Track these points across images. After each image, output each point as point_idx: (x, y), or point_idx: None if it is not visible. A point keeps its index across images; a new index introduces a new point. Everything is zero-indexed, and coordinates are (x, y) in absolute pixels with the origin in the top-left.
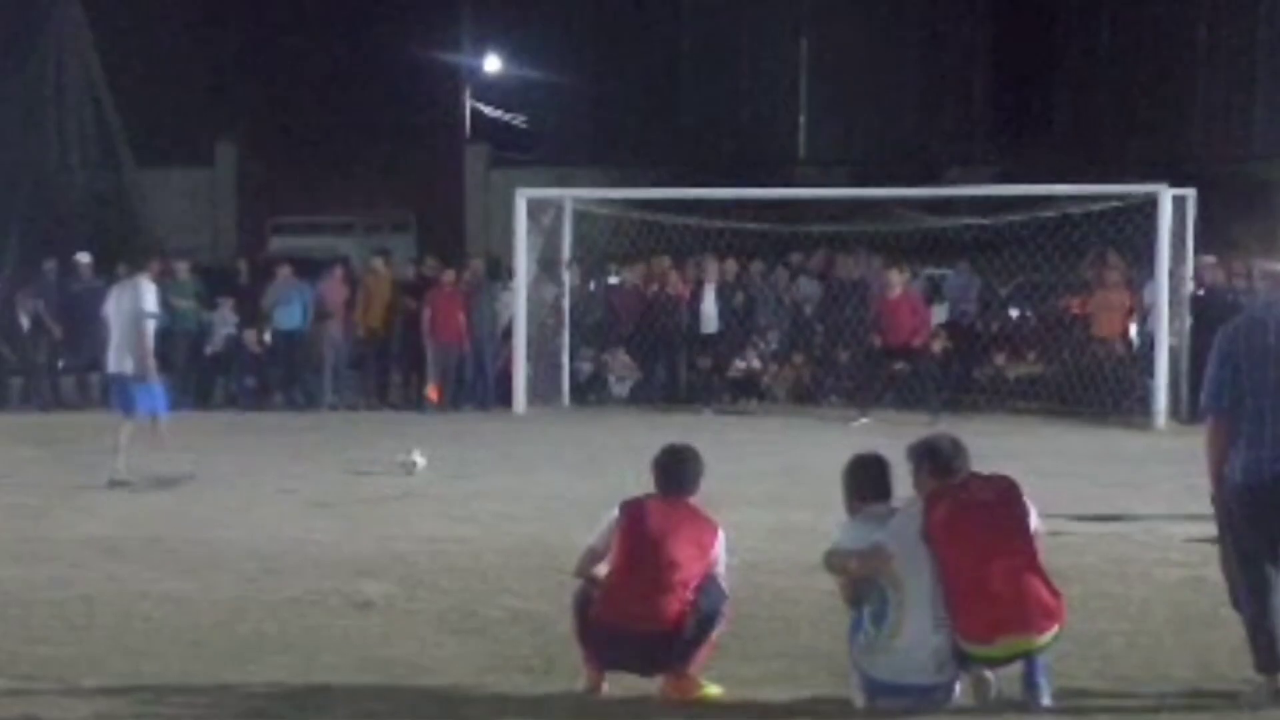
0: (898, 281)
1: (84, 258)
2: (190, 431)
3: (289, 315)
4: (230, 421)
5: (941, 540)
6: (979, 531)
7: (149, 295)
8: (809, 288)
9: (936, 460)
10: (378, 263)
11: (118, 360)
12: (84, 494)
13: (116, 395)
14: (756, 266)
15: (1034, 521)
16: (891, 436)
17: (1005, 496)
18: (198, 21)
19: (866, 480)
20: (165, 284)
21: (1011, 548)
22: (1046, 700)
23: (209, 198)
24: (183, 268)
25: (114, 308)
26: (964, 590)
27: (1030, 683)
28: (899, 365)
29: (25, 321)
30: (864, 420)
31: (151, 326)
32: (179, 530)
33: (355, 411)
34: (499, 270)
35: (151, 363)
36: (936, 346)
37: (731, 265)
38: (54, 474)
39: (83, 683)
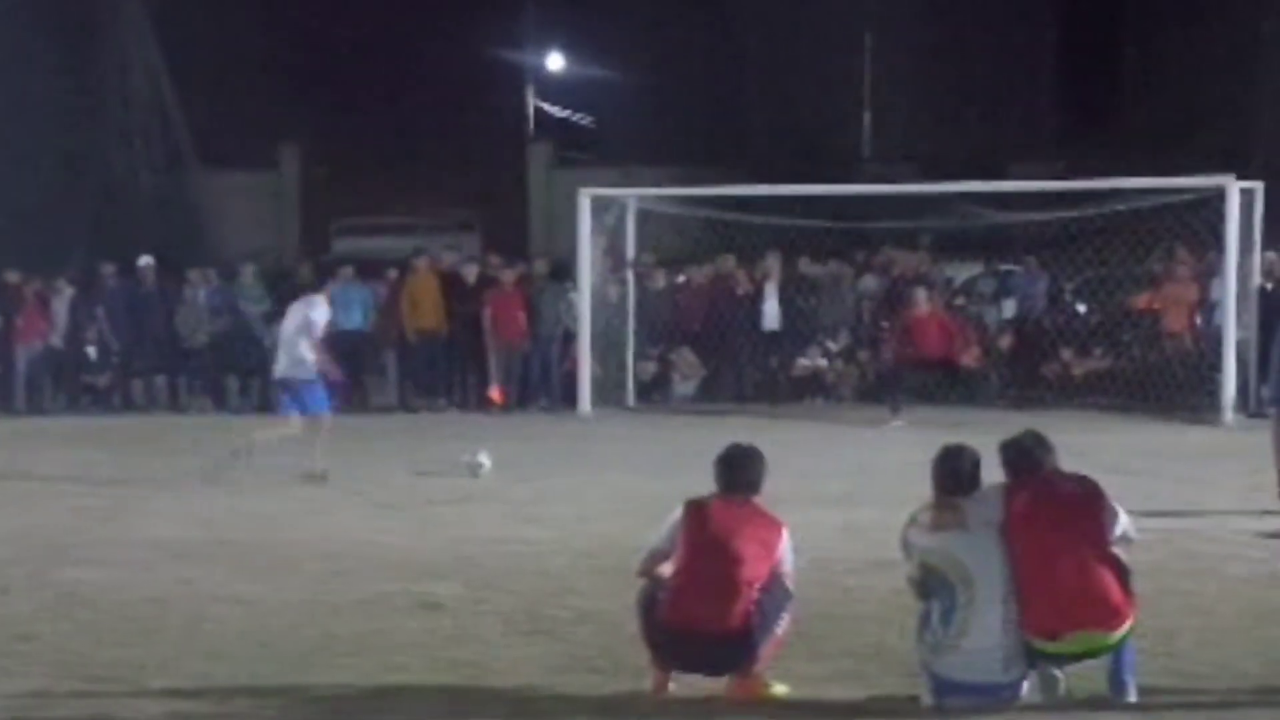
0: (923, 300)
1: (147, 261)
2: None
3: (350, 317)
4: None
5: (1017, 531)
6: (1055, 526)
7: (320, 308)
8: (873, 285)
9: (1021, 454)
10: (420, 262)
11: (287, 366)
12: (153, 497)
13: (288, 398)
14: (819, 265)
15: (1124, 524)
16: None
17: (1087, 494)
18: (261, 24)
19: (947, 472)
20: (230, 288)
21: (1085, 544)
22: (1132, 697)
23: (273, 201)
24: (248, 271)
25: (289, 318)
26: (1034, 584)
27: (1116, 680)
28: (934, 376)
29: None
30: (898, 423)
31: (318, 332)
32: (247, 533)
33: (416, 414)
34: (564, 270)
35: (322, 362)
36: (1003, 344)
37: (794, 263)
38: (123, 476)
39: (152, 684)
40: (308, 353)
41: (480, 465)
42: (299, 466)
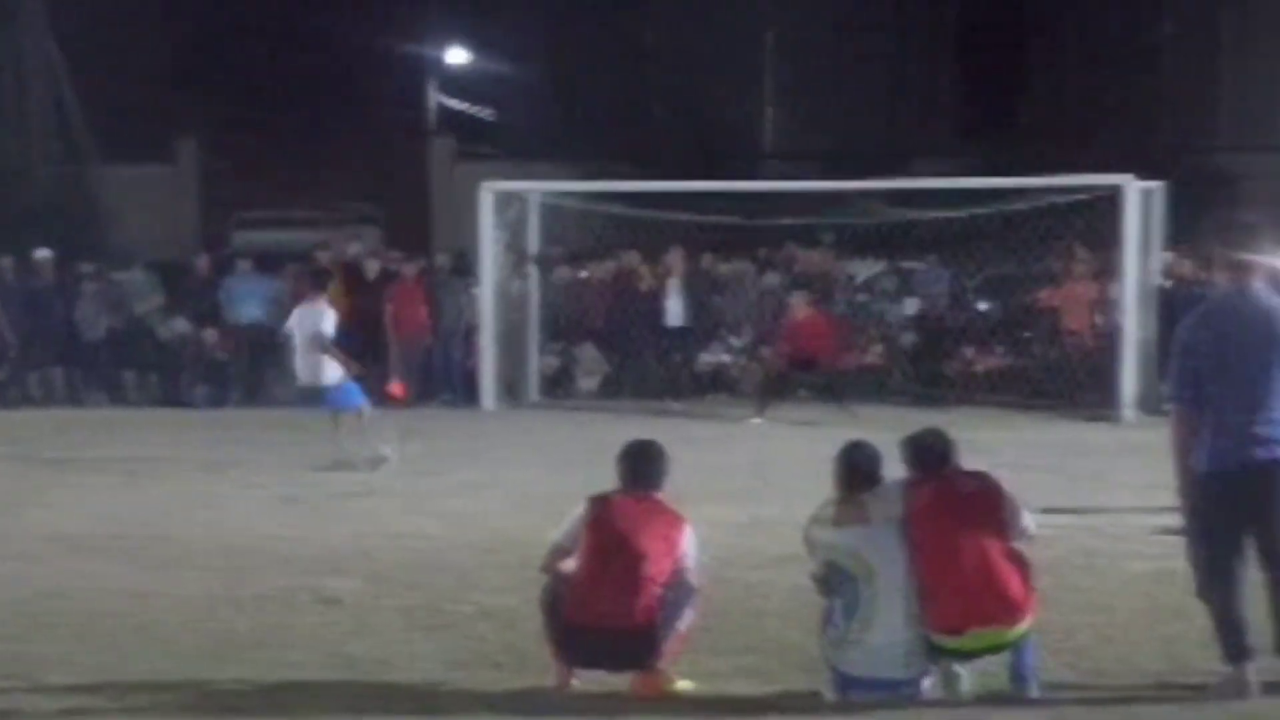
0: (801, 303)
1: (45, 254)
2: (154, 429)
3: (248, 310)
4: (192, 418)
5: (919, 528)
6: (956, 522)
7: (327, 319)
8: (776, 281)
9: (922, 450)
10: (321, 256)
11: (309, 374)
12: (50, 491)
13: (322, 402)
14: (722, 261)
15: (1024, 521)
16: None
17: (987, 491)
18: (159, 16)
19: (849, 469)
20: (123, 288)
21: (986, 541)
22: (1033, 693)
23: (172, 194)
24: (136, 270)
25: (298, 326)
26: (935, 580)
27: (1017, 676)
28: (805, 376)
29: None
30: (757, 420)
31: (327, 343)
32: (147, 527)
33: (315, 408)
34: (466, 264)
35: (343, 365)
36: (905, 341)
37: (698, 259)
38: (19, 471)
39: (49, 680)
40: (325, 359)
41: (384, 458)
42: (196, 459)
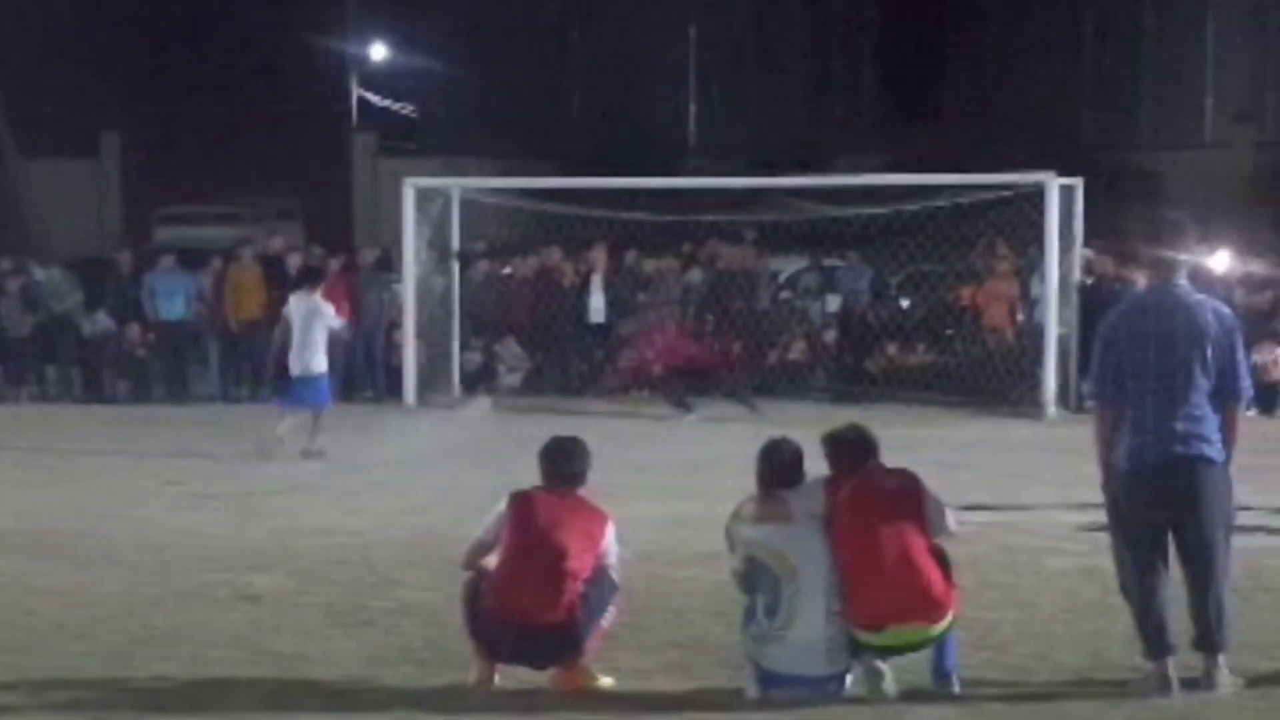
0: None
1: None
2: (75, 425)
3: (171, 306)
4: (114, 414)
5: (840, 524)
6: (877, 519)
7: (328, 309)
8: (699, 278)
9: (844, 447)
10: (244, 252)
11: (305, 364)
12: None
13: (304, 391)
14: (645, 258)
15: (945, 517)
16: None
17: (908, 488)
18: (83, 9)
19: (771, 465)
20: (41, 287)
21: (907, 537)
22: (955, 689)
23: (94, 189)
24: (54, 269)
25: (296, 317)
26: (857, 577)
27: (939, 672)
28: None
29: None
30: (692, 416)
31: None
32: (66, 524)
33: (238, 404)
34: (387, 260)
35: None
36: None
37: (620, 256)
38: None
39: None
40: (320, 351)
41: (322, 451)
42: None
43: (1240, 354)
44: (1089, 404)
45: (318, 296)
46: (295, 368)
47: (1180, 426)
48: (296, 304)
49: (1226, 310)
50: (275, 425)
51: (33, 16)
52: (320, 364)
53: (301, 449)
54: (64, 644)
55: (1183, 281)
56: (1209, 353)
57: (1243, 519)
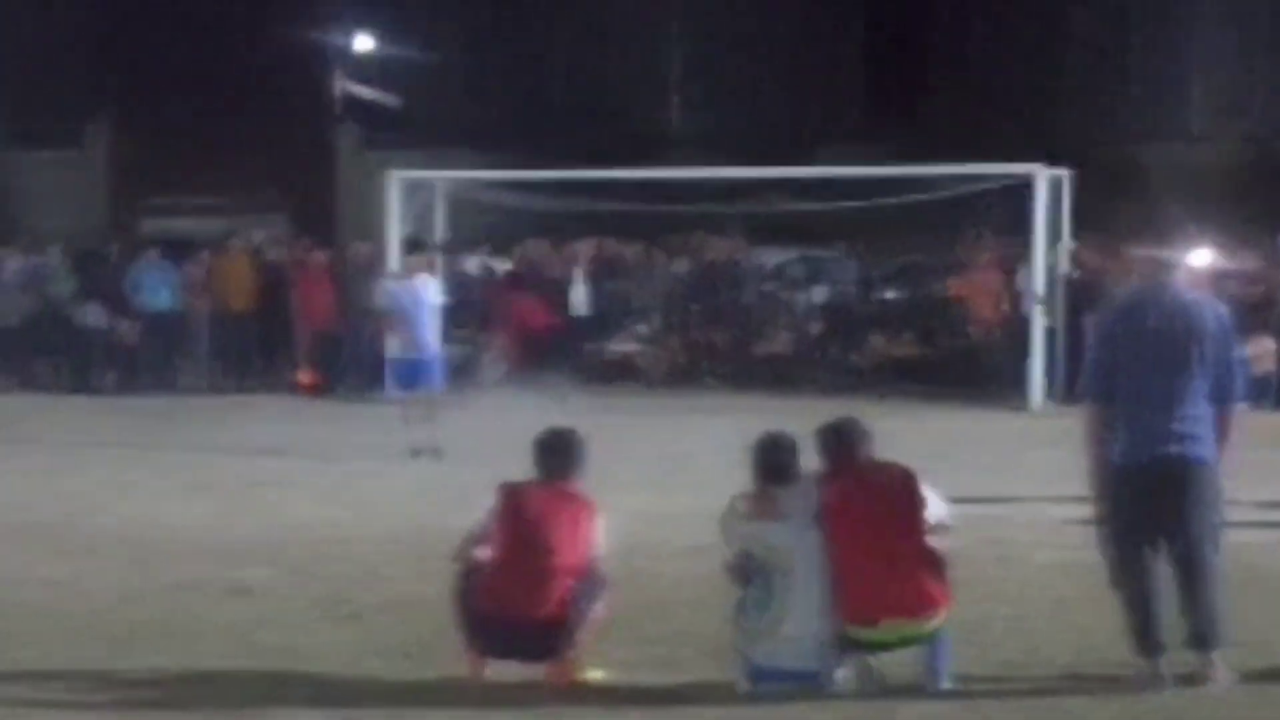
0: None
1: None
2: (63, 415)
3: (156, 298)
4: (102, 405)
5: (833, 519)
6: (870, 514)
7: (434, 288)
8: (684, 269)
9: (838, 440)
10: (232, 243)
11: (418, 346)
12: None
13: (422, 375)
14: (630, 249)
15: (939, 512)
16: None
17: (901, 482)
18: (69, 1)
19: (767, 460)
20: (41, 271)
21: (900, 533)
22: (945, 685)
23: (81, 179)
24: (54, 252)
25: (410, 299)
26: (849, 572)
27: (930, 668)
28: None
29: None
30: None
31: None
32: (55, 514)
33: (224, 395)
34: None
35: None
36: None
37: (605, 248)
38: None
39: None
40: (431, 333)
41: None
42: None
43: (1236, 354)
44: (1078, 398)
45: (426, 275)
46: (407, 350)
47: (1175, 426)
48: (401, 287)
49: (1223, 309)
50: (405, 424)
51: (17, 7)
52: (433, 347)
53: (411, 444)
54: (54, 636)
55: (1178, 281)
56: (1206, 352)
57: (1232, 514)
